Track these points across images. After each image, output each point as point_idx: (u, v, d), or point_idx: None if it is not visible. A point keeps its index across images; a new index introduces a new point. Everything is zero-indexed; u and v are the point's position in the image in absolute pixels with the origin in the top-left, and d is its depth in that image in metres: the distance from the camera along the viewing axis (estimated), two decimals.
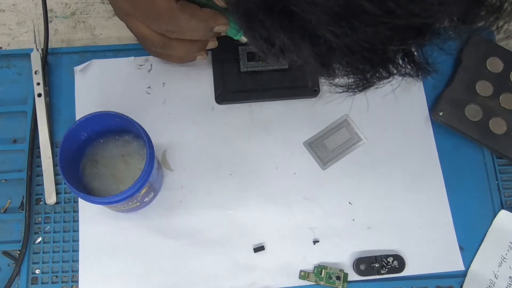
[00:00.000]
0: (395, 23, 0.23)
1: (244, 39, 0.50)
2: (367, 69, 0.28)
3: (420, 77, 0.29)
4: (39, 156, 0.53)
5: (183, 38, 0.48)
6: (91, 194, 0.48)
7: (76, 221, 0.52)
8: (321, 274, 0.50)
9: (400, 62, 0.28)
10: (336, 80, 0.30)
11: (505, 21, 0.25)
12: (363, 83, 0.29)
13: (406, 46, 0.26)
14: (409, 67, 0.28)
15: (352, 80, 0.29)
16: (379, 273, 0.51)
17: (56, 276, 0.51)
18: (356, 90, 0.30)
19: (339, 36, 0.24)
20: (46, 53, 0.55)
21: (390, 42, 0.25)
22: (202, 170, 0.54)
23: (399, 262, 0.51)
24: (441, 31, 0.26)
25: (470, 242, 0.53)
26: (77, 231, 0.51)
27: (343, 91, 0.30)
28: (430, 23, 0.24)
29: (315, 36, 0.25)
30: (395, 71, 0.28)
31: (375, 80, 0.29)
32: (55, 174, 0.53)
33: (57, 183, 0.53)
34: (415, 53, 0.28)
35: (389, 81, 0.29)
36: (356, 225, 0.53)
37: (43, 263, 0.51)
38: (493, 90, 0.56)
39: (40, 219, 0.52)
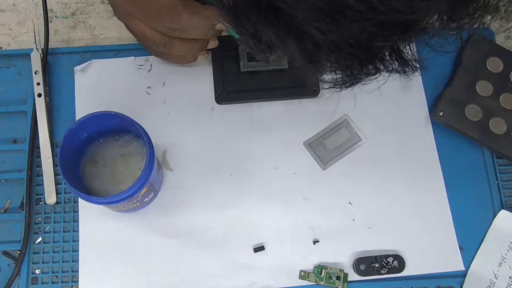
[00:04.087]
0: (379, 19, 0.23)
1: None
2: (354, 65, 0.28)
3: (407, 73, 0.29)
4: (39, 156, 0.53)
5: (184, 37, 0.48)
6: (91, 194, 0.48)
7: (76, 221, 0.52)
8: (321, 274, 0.50)
9: (388, 58, 0.28)
10: (324, 76, 0.30)
11: (492, 16, 0.25)
12: (350, 79, 0.29)
13: (391, 42, 0.26)
14: (396, 63, 0.28)
15: (339, 76, 0.29)
16: (379, 273, 0.51)
17: (56, 276, 0.51)
18: (343, 86, 0.30)
19: (325, 32, 0.24)
20: (46, 53, 0.55)
21: (376, 38, 0.25)
22: (202, 170, 0.54)
23: (399, 262, 0.51)
24: (428, 27, 0.25)
25: (470, 242, 0.53)
26: (77, 231, 0.51)
27: (330, 87, 0.30)
28: (414, 19, 0.24)
29: (301, 32, 0.25)
30: (382, 67, 0.28)
31: (362, 76, 0.29)
32: (55, 174, 0.53)
33: (57, 183, 0.53)
34: (403, 49, 0.28)
35: (376, 78, 0.29)
36: (356, 225, 0.53)
37: (43, 263, 0.51)
38: (493, 90, 0.56)
39: (40, 219, 0.52)
